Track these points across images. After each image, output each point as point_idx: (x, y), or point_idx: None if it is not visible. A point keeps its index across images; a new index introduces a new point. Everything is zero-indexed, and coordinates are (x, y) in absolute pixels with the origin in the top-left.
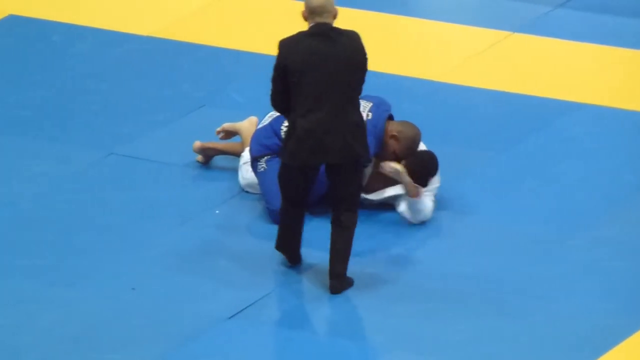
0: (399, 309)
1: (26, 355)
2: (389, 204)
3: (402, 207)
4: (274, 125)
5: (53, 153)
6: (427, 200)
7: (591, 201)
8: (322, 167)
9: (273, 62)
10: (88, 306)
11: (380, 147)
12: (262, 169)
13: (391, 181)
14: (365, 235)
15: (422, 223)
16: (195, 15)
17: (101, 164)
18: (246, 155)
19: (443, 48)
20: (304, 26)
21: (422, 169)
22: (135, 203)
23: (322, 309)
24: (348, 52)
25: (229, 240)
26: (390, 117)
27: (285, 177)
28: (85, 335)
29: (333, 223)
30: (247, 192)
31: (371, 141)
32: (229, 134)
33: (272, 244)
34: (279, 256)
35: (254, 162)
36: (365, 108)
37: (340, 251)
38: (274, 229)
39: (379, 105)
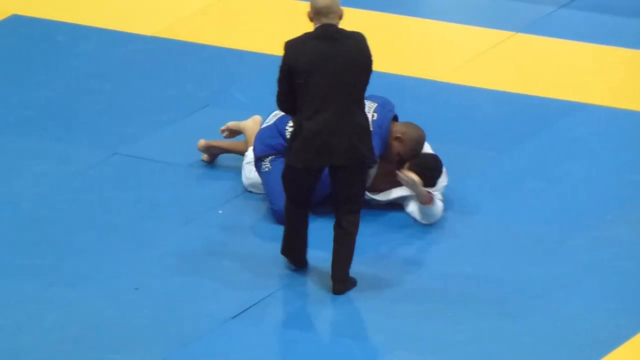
0: (400, 309)
1: (27, 355)
2: (396, 204)
3: (411, 207)
4: (278, 125)
5: (56, 153)
6: (437, 202)
7: (594, 201)
8: (326, 168)
9: (277, 63)
10: (90, 306)
11: (385, 148)
12: (266, 169)
13: (397, 182)
14: (368, 234)
15: (432, 224)
16: (199, 15)
17: (105, 163)
18: (249, 155)
19: (446, 48)
20: (307, 26)
21: (426, 171)
22: (138, 203)
23: (324, 309)
24: (353, 54)
25: (232, 241)
26: (395, 118)
27: (290, 178)
28: (87, 335)
29: (336, 227)
30: (250, 192)
31: (376, 142)
32: (233, 133)
33: (276, 244)
34: (282, 256)
35: (258, 161)
36: (370, 109)
37: (342, 256)
38: (277, 229)
39: (384, 106)
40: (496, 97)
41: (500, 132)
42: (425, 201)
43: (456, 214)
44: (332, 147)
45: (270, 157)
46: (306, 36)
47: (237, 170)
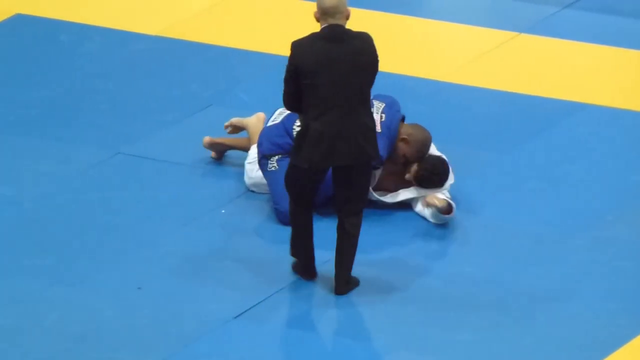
0: (401, 309)
1: (27, 355)
2: (401, 203)
3: (419, 206)
4: (286, 123)
5: (59, 152)
6: (454, 208)
7: (596, 202)
8: (329, 168)
9: (281, 63)
10: (91, 306)
11: (391, 149)
12: (272, 168)
13: (403, 182)
14: (372, 233)
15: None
16: (203, 15)
17: (108, 163)
18: (251, 155)
19: (448, 48)
20: (312, 26)
21: (435, 176)
22: (141, 202)
23: (326, 309)
24: (360, 54)
25: (235, 241)
26: (402, 119)
27: (294, 178)
28: (87, 335)
29: (338, 229)
30: (252, 191)
31: (384, 143)
32: (237, 129)
33: (279, 244)
34: (284, 257)
35: (264, 159)
36: (378, 109)
37: (345, 257)
38: (280, 230)
39: (391, 106)
40: (498, 97)
41: (502, 133)
42: (446, 212)
43: (458, 214)
44: (339, 147)
45: (277, 157)
46: (313, 36)
47: (240, 170)
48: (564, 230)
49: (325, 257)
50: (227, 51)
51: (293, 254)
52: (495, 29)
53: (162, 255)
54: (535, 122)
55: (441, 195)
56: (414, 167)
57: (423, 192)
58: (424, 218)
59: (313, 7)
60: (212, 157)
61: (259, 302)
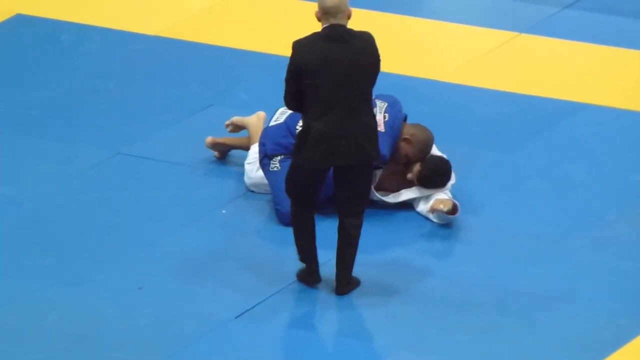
0: (402, 309)
1: (28, 355)
2: (404, 204)
3: (421, 206)
4: (289, 123)
5: (59, 152)
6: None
7: (597, 202)
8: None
9: (281, 63)
10: (91, 306)
11: (394, 149)
12: (274, 169)
13: (404, 182)
14: (373, 233)
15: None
16: (204, 15)
17: (108, 163)
18: (251, 155)
19: (449, 48)
20: (312, 26)
21: (437, 177)
22: (141, 202)
23: (327, 309)
24: (362, 54)
25: (235, 241)
26: (404, 119)
27: (296, 178)
28: (88, 335)
29: (339, 230)
30: (252, 191)
31: (388, 143)
32: (237, 128)
33: (279, 244)
34: (285, 257)
35: (266, 159)
36: (381, 109)
37: (345, 258)
38: (280, 230)
39: (394, 106)
40: (499, 97)
41: (502, 133)
42: (452, 213)
43: (459, 214)
44: (340, 147)
45: (279, 157)
46: (314, 36)
47: (241, 170)
48: (564, 230)
49: (326, 258)
50: (227, 51)
51: (302, 259)
52: (496, 29)
53: (162, 255)
54: (535, 122)
55: (444, 196)
56: (417, 167)
57: (425, 192)
58: (425, 218)
59: (313, 7)
60: (215, 157)
61: (259, 302)
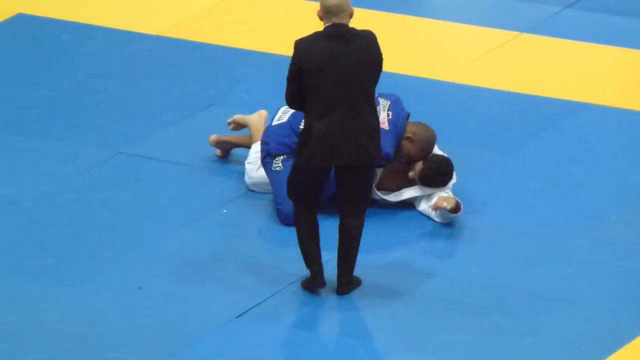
0: (403, 309)
1: (28, 355)
2: (405, 202)
3: (422, 206)
4: (292, 123)
5: (60, 152)
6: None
7: (597, 202)
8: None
9: (282, 62)
10: (92, 306)
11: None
12: (277, 168)
13: (406, 181)
14: (374, 233)
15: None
16: (204, 15)
17: (108, 163)
18: (252, 154)
19: (450, 48)
20: (312, 25)
21: (439, 176)
22: (142, 202)
23: (328, 309)
24: (364, 53)
25: (236, 241)
26: (407, 117)
27: (298, 178)
28: (88, 335)
29: (340, 230)
30: (252, 191)
31: (392, 141)
32: (239, 126)
33: (280, 244)
34: (285, 257)
35: (268, 157)
36: (384, 107)
37: (347, 258)
38: (281, 230)
39: (396, 104)
40: (500, 97)
41: (503, 132)
42: (454, 211)
43: (461, 213)
44: (342, 147)
45: (282, 157)
46: (316, 35)
47: (241, 170)
48: (564, 230)
49: (327, 257)
50: (227, 51)
51: (306, 262)
52: (497, 29)
53: (162, 255)
54: (536, 122)
55: (446, 194)
56: (418, 166)
57: (427, 190)
58: (427, 217)
59: (314, 7)
60: (217, 155)
61: (260, 302)
